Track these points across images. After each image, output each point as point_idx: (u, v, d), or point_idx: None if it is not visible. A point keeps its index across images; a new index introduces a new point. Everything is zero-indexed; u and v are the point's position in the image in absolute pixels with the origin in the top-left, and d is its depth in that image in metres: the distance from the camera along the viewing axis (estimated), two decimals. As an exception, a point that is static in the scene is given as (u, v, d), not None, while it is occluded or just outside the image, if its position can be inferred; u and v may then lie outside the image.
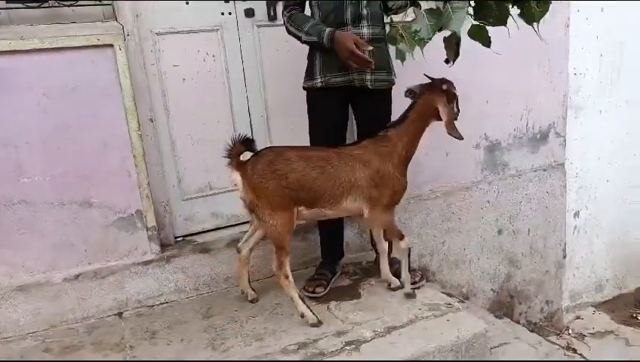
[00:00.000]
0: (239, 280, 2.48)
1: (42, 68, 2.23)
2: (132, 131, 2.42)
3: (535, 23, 1.92)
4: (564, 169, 3.66)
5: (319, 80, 2.35)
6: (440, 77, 2.26)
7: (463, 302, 2.78)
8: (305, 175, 2.14)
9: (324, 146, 2.32)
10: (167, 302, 2.57)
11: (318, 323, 2.21)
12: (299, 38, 2.28)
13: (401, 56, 2.14)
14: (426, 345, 2.04)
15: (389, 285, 2.50)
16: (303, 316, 2.22)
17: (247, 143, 2.14)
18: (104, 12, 2.41)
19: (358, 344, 2.07)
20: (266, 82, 2.81)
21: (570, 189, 3.75)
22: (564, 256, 3.81)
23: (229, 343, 2.16)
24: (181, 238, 2.78)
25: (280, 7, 2.65)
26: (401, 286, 2.46)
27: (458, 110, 2.31)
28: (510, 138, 3.41)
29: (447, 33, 1.92)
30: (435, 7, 1.79)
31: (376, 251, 2.64)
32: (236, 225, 2.90)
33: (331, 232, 2.61)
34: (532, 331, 3.66)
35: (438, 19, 1.79)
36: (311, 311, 2.22)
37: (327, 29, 2.19)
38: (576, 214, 3.86)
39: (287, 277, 2.17)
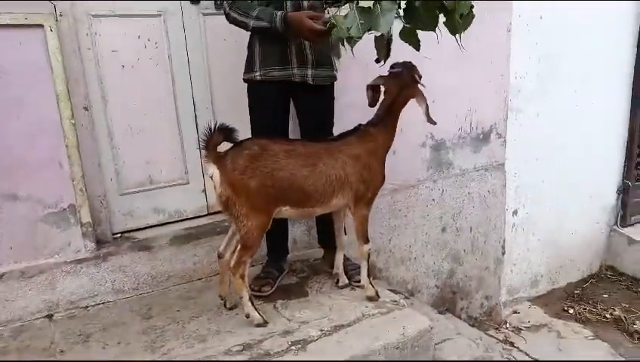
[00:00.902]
0: (220, 286, 2.28)
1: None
2: (65, 119, 2.25)
3: (457, 35, 1.94)
4: (504, 169, 3.78)
5: (258, 73, 2.28)
6: (401, 62, 2.20)
7: (408, 298, 2.82)
8: (294, 173, 2.02)
9: (309, 141, 2.22)
10: (103, 303, 2.42)
11: (263, 323, 2.14)
12: (245, 26, 2.18)
13: (336, 53, 2.12)
14: (373, 343, 2.02)
15: (337, 282, 2.48)
16: (248, 316, 2.14)
17: (226, 133, 1.97)
18: (37, -10, 2.22)
19: (305, 343, 2.03)
20: (212, 72, 2.71)
21: (510, 188, 3.88)
22: (503, 253, 3.94)
23: (169, 345, 2.05)
24: (119, 234, 2.63)
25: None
26: (349, 285, 2.45)
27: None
28: (455, 137, 3.48)
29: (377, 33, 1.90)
30: (365, 7, 1.75)
31: (324, 247, 2.61)
32: (180, 220, 2.78)
33: (276, 230, 2.54)
34: (472, 326, 3.79)
35: (368, 18, 1.76)
36: (257, 311, 2.15)
37: (279, 12, 2.11)
38: (515, 212, 4.01)
39: (243, 277, 2.07)
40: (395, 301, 2.34)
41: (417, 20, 1.87)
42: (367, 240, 2.29)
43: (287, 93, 2.37)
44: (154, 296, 2.48)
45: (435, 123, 2.19)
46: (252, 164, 1.98)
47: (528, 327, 3.92)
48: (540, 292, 4.34)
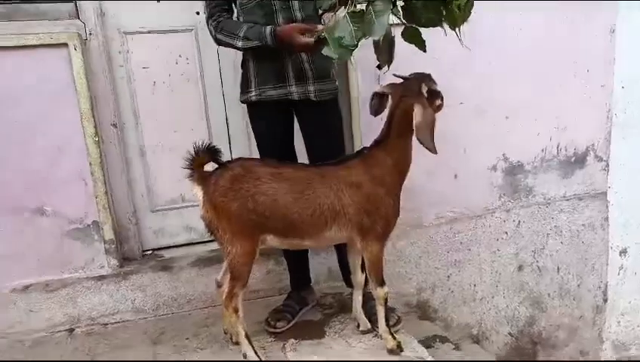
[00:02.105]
0: (223, 319, 2.09)
1: (-5, 67, 2.14)
2: (88, 137, 2.27)
3: (458, 28, 1.58)
4: (605, 198, 3.10)
5: (253, 93, 2.07)
6: (415, 73, 1.87)
7: (435, 349, 2.40)
8: (276, 199, 1.81)
9: (304, 164, 2.02)
10: (122, 321, 2.40)
11: (260, 367, 1.92)
12: (233, 46, 1.99)
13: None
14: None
15: (358, 326, 2.16)
16: (245, 356, 1.93)
17: (211, 153, 1.85)
18: (70, 10, 2.28)
19: (294, 398, 1.76)
20: (246, 88, 2.57)
21: (615, 222, 3.18)
22: (605, 300, 3.24)
23: (160, 379, 1.93)
24: (151, 251, 2.61)
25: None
26: (372, 330, 2.12)
27: (441, 103, 1.89)
28: (537, 160, 2.93)
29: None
30: (357, 11, 1.47)
31: (346, 283, 2.31)
32: (210, 241, 2.67)
33: (294, 257, 2.31)
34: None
35: (361, 24, 1.48)
36: (255, 351, 1.93)
37: (268, 28, 1.90)
38: (623, 252, 3.27)
39: (236, 311, 1.88)
40: (421, 357, 1.96)
41: (418, 18, 1.56)
42: (382, 283, 1.95)
43: (288, 112, 2.14)
44: (171, 320, 2.40)
45: (434, 151, 1.76)
46: (234, 186, 1.79)
47: (636, 396, 3.16)
48: (660, 353, 3.49)
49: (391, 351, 1.98)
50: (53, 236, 2.32)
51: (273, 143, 2.12)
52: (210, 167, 1.89)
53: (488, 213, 2.89)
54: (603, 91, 2.97)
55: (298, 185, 1.81)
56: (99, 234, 2.36)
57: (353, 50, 1.55)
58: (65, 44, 2.17)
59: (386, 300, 1.97)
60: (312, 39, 1.75)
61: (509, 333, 3.06)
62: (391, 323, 2.12)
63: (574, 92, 2.91)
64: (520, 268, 3.01)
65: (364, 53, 1.80)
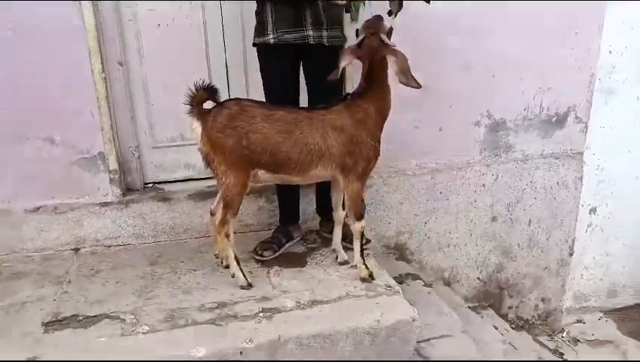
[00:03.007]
0: (215, 244, 2.30)
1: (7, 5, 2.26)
2: (96, 73, 2.43)
3: None
4: (582, 158, 3.28)
5: (271, 36, 2.22)
6: (366, 21, 2.00)
7: (406, 285, 2.65)
8: (268, 138, 1.99)
9: (295, 107, 2.19)
10: (123, 245, 2.64)
11: (247, 286, 2.17)
12: None
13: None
14: (341, 323, 1.94)
15: (336, 258, 2.40)
16: (233, 276, 2.18)
17: (210, 92, 2.01)
18: (79, -51, 2.39)
19: (275, 312, 2.01)
20: (246, 33, 2.69)
21: (589, 182, 3.37)
22: (571, 254, 3.47)
23: (156, 292, 2.18)
24: (151, 184, 2.81)
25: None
26: (348, 262, 2.35)
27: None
28: (519, 118, 3.09)
29: None
30: None
31: (320, 216, 2.54)
32: (209, 178, 2.87)
33: (286, 196, 2.53)
34: (522, 327, 3.47)
35: None
36: (242, 273, 2.17)
37: None
38: (593, 210, 3.49)
39: (227, 236, 2.11)
40: (389, 286, 2.20)
41: None
42: (359, 217, 2.16)
43: (297, 56, 2.29)
44: (169, 245, 2.64)
45: (418, 86, 1.94)
46: (230, 123, 1.97)
47: (591, 341, 3.46)
48: (619, 305, 3.77)
49: (363, 280, 2.22)
50: (62, 163, 2.52)
51: (282, 84, 2.27)
52: (209, 105, 2.07)
53: (469, 167, 3.07)
54: (589, 55, 3.08)
55: (288, 125, 2.00)
56: (104, 164, 2.56)
57: None
58: (74, -16, 2.29)
59: (362, 233, 2.19)
60: None
61: (478, 278, 3.32)
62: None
63: (561, 54, 3.02)
64: (494, 218, 3.22)
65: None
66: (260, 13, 2.25)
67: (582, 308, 3.70)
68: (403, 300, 2.12)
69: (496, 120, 3.06)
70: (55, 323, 1.97)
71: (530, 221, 3.30)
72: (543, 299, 3.50)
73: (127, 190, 2.69)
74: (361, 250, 2.22)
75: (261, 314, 1.99)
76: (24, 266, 2.43)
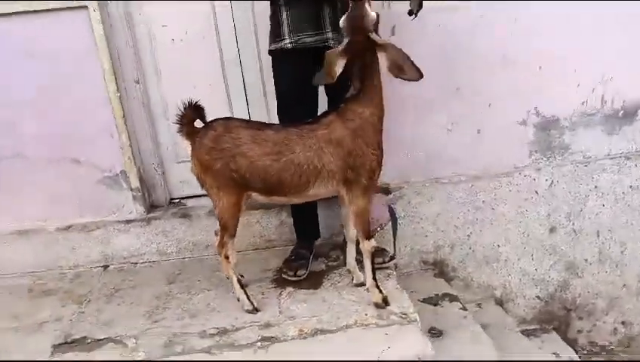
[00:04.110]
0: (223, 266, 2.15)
1: (26, 30, 2.35)
2: (111, 93, 2.46)
3: None
4: (659, 158, 2.78)
5: (288, 41, 2.08)
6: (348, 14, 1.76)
7: (440, 307, 2.39)
8: (255, 161, 1.86)
9: (283, 125, 2.04)
10: (148, 262, 2.66)
11: (253, 311, 2.07)
12: None
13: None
14: (339, 357, 1.77)
15: (353, 279, 2.21)
16: (239, 300, 2.09)
17: (196, 110, 1.94)
18: (91, -27, 2.42)
19: (274, 341, 1.89)
20: (260, 42, 2.59)
21: (672, 185, 2.85)
22: (654, 270, 2.97)
23: (165, 314, 2.15)
24: (177, 200, 2.82)
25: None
26: (364, 284, 2.16)
27: None
28: (575, 114, 2.68)
29: None
30: None
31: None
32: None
33: (302, 211, 2.38)
34: (597, 354, 3.04)
35: None
36: (247, 296, 2.08)
37: None
38: (681, 218, 2.95)
39: (227, 258, 2.03)
40: (405, 314, 1.98)
41: None
42: (368, 236, 1.96)
43: (316, 61, 2.12)
44: (190, 262, 2.62)
45: (418, 76, 1.71)
46: (216, 145, 1.87)
47: (682, 371, 2.93)
48: None
49: (377, 305, 2.02)
50: (88, 183, 2.59)
51: (302, 94, 2.11)
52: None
53: (516, 171, 2.73)
54: (661, 37, 2.59)
55: (277, 147, 1.85)
56: (126, 182, 2.60)
57: None
58: (85, 7, 2.32)
59: (373, 254, 1.99)
60: None
61: (538, 296, 2.94)
62: (386, 259, 2.21)
63: (623, 39, 2.57)
64: (552, 230, 2.83)
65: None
66: (274, 17, 2.11)
67: (671, 332, 3.15)
68: (417, 331, 1.89)
69: (546, 117, 2.68)
70: (63, 346, 2.00)
71: (598, 232, 2.86)
72: (623, 323, 3.03)
73: (152, 207, 2.72)
74: (373, 272, 2.02)
75: (258, 344, 1.88)
76: (55, 284, 2.53)
